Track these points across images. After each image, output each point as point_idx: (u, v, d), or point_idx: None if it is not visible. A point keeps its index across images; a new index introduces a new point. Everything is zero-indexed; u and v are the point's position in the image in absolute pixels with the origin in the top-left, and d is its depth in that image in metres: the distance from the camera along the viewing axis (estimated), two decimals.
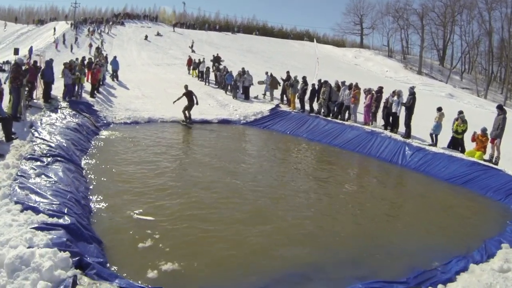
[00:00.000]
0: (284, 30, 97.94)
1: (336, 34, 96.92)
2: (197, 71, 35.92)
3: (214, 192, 11.04)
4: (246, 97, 27.45)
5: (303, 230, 9.22)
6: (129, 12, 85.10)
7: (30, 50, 39.71)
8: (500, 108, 16.24)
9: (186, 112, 21.27)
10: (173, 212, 9.25)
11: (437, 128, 17.64)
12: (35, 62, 20.36)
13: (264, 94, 28.31)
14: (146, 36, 59.28)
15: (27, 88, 16.75)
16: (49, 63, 19.98)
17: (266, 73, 29.21)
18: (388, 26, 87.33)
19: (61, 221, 7.05)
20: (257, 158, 16.10)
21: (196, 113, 22.69)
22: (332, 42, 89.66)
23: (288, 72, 26.54)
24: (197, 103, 21.31)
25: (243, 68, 29.27)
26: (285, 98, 26.12)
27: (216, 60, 39.96)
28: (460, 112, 17.45)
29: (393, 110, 19.18)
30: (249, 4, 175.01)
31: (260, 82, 28.61)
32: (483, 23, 74.35)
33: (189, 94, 21.10)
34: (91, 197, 9.70)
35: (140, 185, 10.91)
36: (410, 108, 18.22)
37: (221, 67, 35.18)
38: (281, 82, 26.75)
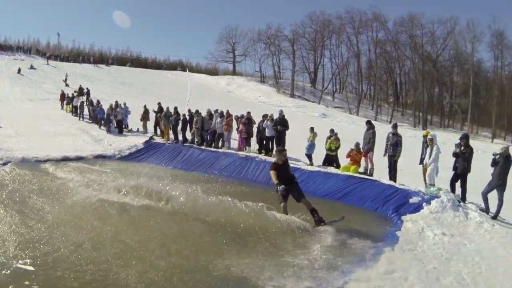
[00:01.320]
0: (157, 60, 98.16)
1: (209, 62, 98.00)
2: (71, 106, 35.23)
3: (96, 237, 9.91)
4: (120, 130, 27.31)
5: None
6: (2, 43, 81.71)
7: None
8: (369, 123, 17.32)
9: (286, 205, 11.38)
10: (54, 260, 8.39)
11: (311, 147, 18.40)
12: None
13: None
14: (19, 70, 57.09)
15: None
16: None
17: (125, 104, 29.53)
18: (260, 53, 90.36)
19: None
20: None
21: (71, 150, 22.38)
22: (205, 71, 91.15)
23: (159, 104, 26.80)
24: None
25: (116, 101, 29.30)
26: (158, 130, 26.25)
27: (80, 92, 39.96)
28: (332, 131, 18.23)
29: (267, 134, 19.78)
30: (123, 36, 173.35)
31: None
32: (351, 46, 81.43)
33: (285, 166, 11.82)
34: None
35: (18, 231, 10.04)
36: (282, 131, 19.00)
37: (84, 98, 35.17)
38: (149, 113, 27.15)
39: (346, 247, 9.87)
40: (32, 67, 60.24)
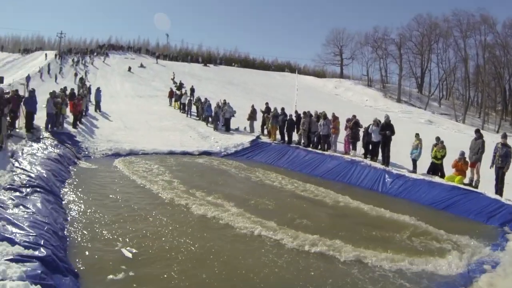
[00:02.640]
0: (265, 62, 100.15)
1: (317, 65, 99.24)
2: (179, 103, 36.19)
3: (202, 231, 10.40)
4: (227, 129, 27.56)
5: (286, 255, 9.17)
6: (114, 43, 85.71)
7: (28, 78, 40.43)
8: (478, 132, 16.39)
9: None
10: (153, 249, 8.88)
11: (416, 154, 17.82)
12: (17, 91, 20.24)
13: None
14: (130, 68, 59.61)
15: (8, 118, 16.76)
16: (32, 92, 20.01)
17: (224, 100, 29.73)
18: (367, 56, 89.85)
19: (36, 253, 6.88)
20: (244, 190, 15.66)
21: (177, 145, 22.98)
22: (312, 73, 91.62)
23: (267, 104, 26.89)
24: None
25: (224, 100, 29.39)
26: (265, 130, 26.23)
27: (180, 87, 41.82)
28: (438, 138, 17.62)
29: (373, 139, 19.30)
30: (232, 36, 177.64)
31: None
32: (458, 50, 77.41)
33: None
34: (69, 229, 9.52)
35: (121, 218, 10.69)
36: (388, 136, 18.37)
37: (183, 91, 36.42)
38: (257, 113, 27.36)
39: (445, 261, 9.50)
40: (142, 66, 62.32)
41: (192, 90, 41.68)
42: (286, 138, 23.70)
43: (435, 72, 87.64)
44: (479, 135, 16.15)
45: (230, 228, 10.75)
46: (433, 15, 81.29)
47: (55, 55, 64.57)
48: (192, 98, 36.51)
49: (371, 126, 19.43)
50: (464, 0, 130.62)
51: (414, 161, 17.94)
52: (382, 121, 19.08)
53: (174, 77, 53.94)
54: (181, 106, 35.23)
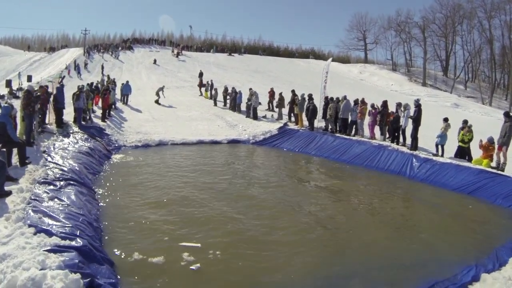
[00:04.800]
0: (289, 49, 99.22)
1: (341, 50, 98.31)
2: (208, 93, 36.34)
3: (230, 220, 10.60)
4: (254, 117, 27.54)
5: (317, 243, 9.33)
6: (138, 37, 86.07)
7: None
8: (507, 116, 16.12)
9: None
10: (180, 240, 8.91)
11: (443, 138, 17.72)
12: (47, 87, 20.43)
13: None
14: (155, 60, 59.72)
15: (40, 115, 17.01)
16: (61, 89, 20.22)
17: (250, 89, 29.63)
18: (391, 40, 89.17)
19: (73, 243, 7.08)
20: (276, 179, 15.65)
21: (205, 134, 23.24)
22: (337, 59, 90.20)
23: (293, 91, 26.67)
24: None
25: (250, 89, 29.34)
26: (292, 116, 26.14)
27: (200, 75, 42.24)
28: (465, 122, 17.48)
29: (400, 123, 19.21)
30: (255, 25, 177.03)
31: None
32: (483, 31, 75.42)
33: None
34: (103, 219, 9.74)
35: (153, 207, 10.92)
36: (416, 120, 18.17)
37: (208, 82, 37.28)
38: (284, 100, 27.33)
39: (473, 245, 9.80)
40: (155, 62, 61.05)
41: (201, 74, 43.13)
42: (316, 124, 23.61)
43: (460, 55, 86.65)
44: (507, 118, 15.92)
45: None
46: None
47: (84, 51, 65.01)
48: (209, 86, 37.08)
49: (398, 111, 19.51)
50: None
51: (437, 146, 17.96)
52: (411, 105, 18.93)
53: (201, 73, 53.61)
54: (211, 95, 35.14)
